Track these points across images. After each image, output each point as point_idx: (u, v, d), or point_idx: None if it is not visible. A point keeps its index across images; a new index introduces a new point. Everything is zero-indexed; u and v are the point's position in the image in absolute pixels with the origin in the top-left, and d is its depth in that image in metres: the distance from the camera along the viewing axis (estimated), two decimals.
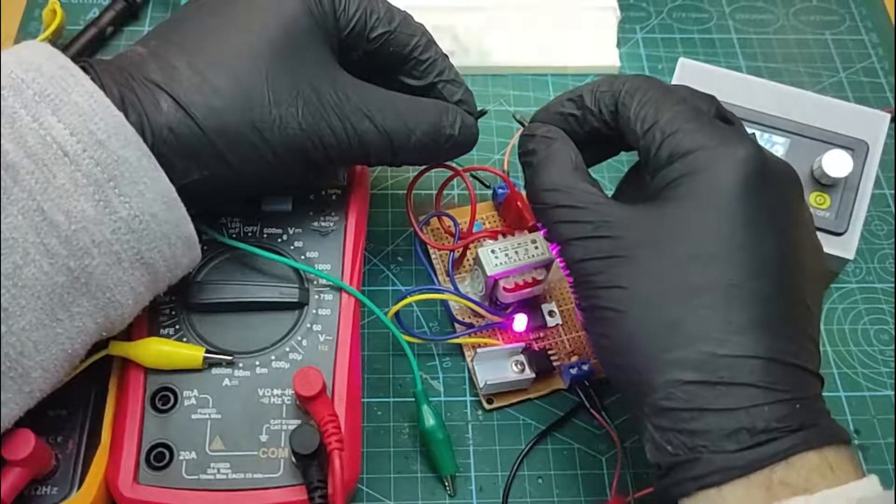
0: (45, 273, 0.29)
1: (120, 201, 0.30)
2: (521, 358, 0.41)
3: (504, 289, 0.40)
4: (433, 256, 0.45)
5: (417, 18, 0.40)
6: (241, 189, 0.36)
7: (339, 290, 0.38)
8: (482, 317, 0.43)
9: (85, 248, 0.29)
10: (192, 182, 0.33)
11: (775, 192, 0.32)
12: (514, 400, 0.42)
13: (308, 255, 0.39)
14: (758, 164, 0.32)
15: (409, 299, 0.40)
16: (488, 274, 0.40)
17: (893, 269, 0.48)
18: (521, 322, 0.42)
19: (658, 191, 0.33)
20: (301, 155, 0.35)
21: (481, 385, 0.41)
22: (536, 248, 0.40)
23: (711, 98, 0.36)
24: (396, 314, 0.40)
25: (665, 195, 0.32)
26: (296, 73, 0.34)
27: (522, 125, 0.39)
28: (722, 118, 0.35)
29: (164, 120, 0.32)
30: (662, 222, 0.32)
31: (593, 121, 0.36)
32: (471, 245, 0.44)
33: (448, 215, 0.45)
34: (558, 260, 0.35)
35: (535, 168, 0.36)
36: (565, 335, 0.43)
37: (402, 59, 0.39)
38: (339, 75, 0.36)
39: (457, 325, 0.43)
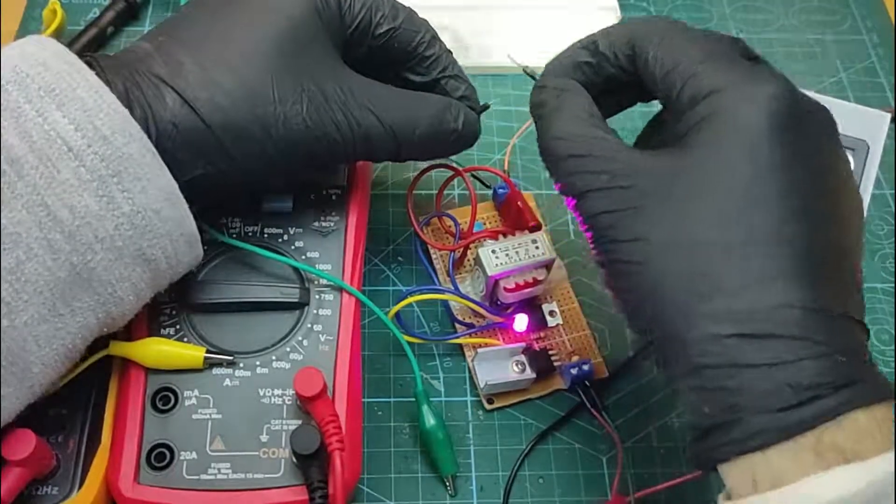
0: (48, 268, 0.29)
1: (123, 197, 0.30)
2: (522, 358, 0.41)
3: (505, 289, 0.40)
4: (434, 256, 0.45)
5: None
6: (244, 185, 0.36)
7: (340, 290, 0.38)
8: (483, 317, 0.43)
9: (88, 244, 0.29)
10: (195, 177, 0.33)
11: (808, 132, 0.30)
12: (515, 400, 0.42)
13: (309, 255, 0.39)
14: (788, 102, 0.29)
15: (409, 299, 0.40)
16: (489, 274, 0.40)
17: (893, 269, 0.48)
18: (521, 322, 0.42)
19: (680, 136, 0.30)
20: (305, 151, 0.35)
21: (482, 385, 0.41)
22: (537, 248, 0.40)
23: (734, 39, 0.33)
24: (397, 314, 0.40)
25: (688, 140, 0.30)
26: (300, 71, 0.34)
27: (533, 78, 0.37)
28: (749, 58, 0.33)
29: (168, 115, 0.32)
30: (686, 169, 0.30)
31: (609, 67, 0.34)
32: (471, 245, 0.44)
33: (448, 215, 0.45)
34: (575, 214, 0.32)
35: (546, 118, 0.33)
36: (566, 335, 0.43)
37: (406, 56, 0.39)
38: (344, 72, 0.36)
39: (457, 326, 0.43)
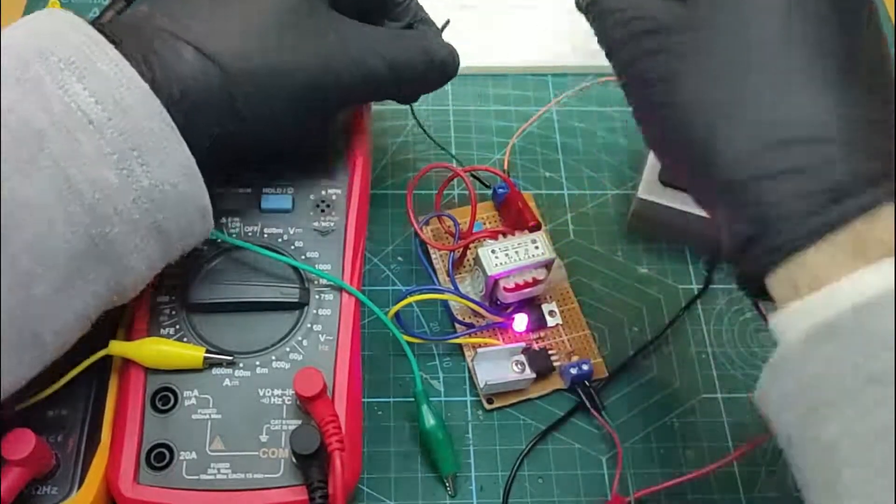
0: (67, 241, 0.29)
1: (142, 171, 0.30)
2: (522, 358, 0.41)
3: (504, 288, 0.40)
4: (433, 256, 0.45)
5: None
6: (255, 140, 0.36)
7: (340, 290, 0.38)
8: (482, 317, 0.43)
9: (107, 217, 0.29)
10: (211, 142, 0.33)
11: None
12: (514, 400, 0.42)
13: (308, 255, 0.39)
14: None
15: (409, 299, 0.40)
16: (488, 274, 0.40)
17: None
18: (521, 322, 0.42)
19: None
20: (314, 97, 0.36)
21: (482, 385, 0.41)
22: (537, 247, 0.40)
23: None
24: (396, 314, 0.40)
25: None
26: (300, 23, 0.35)
27: None
28: None
29: (188, 70, 0.32)
30: (713, 7, 0.30)
31: None
32: (471, 245, 0.44)
33: (448, 215, 0.45)
34: (616, 71, 0.34)
35: None
36: (565, 335, 0.43)
37: (383, 3, 0.41)
38: (337, 19, 0.37)
39: (457, 325, 0.43)
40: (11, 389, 0.30)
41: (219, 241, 0.38)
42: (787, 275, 0.27)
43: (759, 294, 0.29)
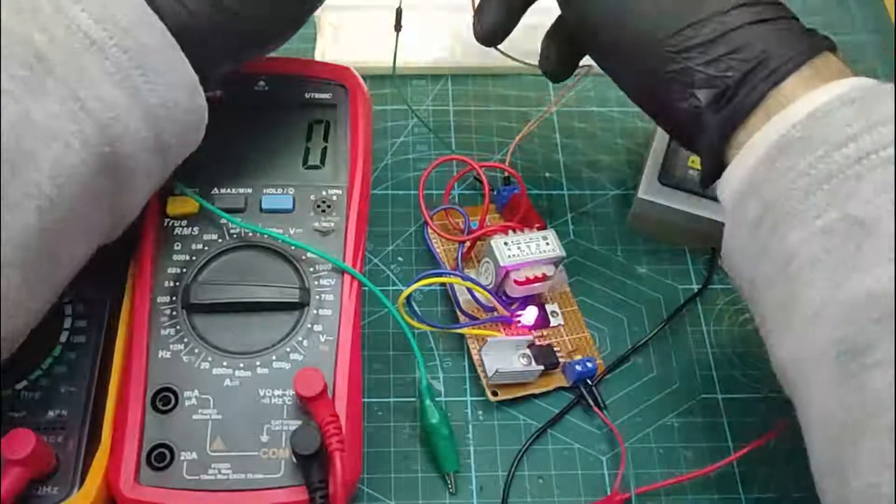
0: (83, 161, 0.29)
1: (147, 89, 0.30)
2: (528, 352, 0.41)
3: (515, 281, 0.40)
4: (437, 251, 0.45)
5: (419, 17, 0.40)
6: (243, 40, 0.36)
7: (340, 290, 0.38)
8: (489, 311, 0.42)
9: (117, 136, 0.30)
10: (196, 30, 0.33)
11: None
12: (520, 393, 0.41)
13: (309, 255, 0.39)
14: None
15: (420, 282, 0.40)
16: (501, 264, 0.40)
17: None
18: (531, 314, 0.42)
19: None
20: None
21: (490, 373, 0.40)
22: (548, 244, 0.40)
23: None
24: (408, 300, 0.39)
25: None
26: None
27: None
28: None
29: None
30: None
31: None
32: (478, 242, 0.44)
33: (457, 208, 0.44)
34: None
35: None
36: (566, 336, 0.43)
37: None
38: None
39: (461, 318, 0.43)
40: (32, 323, 0.30)
41: (218, 240, 0.38)
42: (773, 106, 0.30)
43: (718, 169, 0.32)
